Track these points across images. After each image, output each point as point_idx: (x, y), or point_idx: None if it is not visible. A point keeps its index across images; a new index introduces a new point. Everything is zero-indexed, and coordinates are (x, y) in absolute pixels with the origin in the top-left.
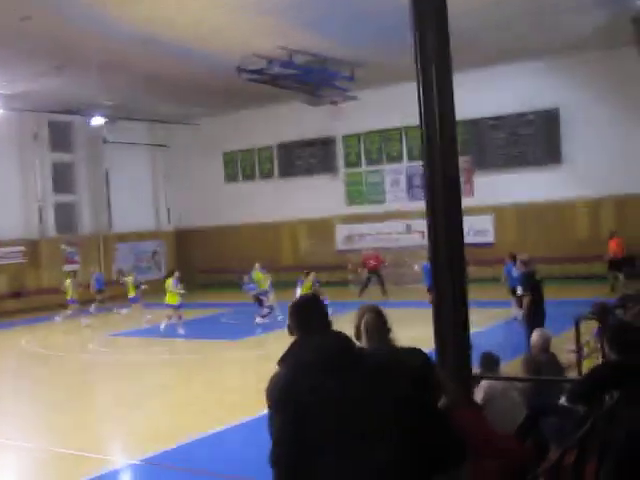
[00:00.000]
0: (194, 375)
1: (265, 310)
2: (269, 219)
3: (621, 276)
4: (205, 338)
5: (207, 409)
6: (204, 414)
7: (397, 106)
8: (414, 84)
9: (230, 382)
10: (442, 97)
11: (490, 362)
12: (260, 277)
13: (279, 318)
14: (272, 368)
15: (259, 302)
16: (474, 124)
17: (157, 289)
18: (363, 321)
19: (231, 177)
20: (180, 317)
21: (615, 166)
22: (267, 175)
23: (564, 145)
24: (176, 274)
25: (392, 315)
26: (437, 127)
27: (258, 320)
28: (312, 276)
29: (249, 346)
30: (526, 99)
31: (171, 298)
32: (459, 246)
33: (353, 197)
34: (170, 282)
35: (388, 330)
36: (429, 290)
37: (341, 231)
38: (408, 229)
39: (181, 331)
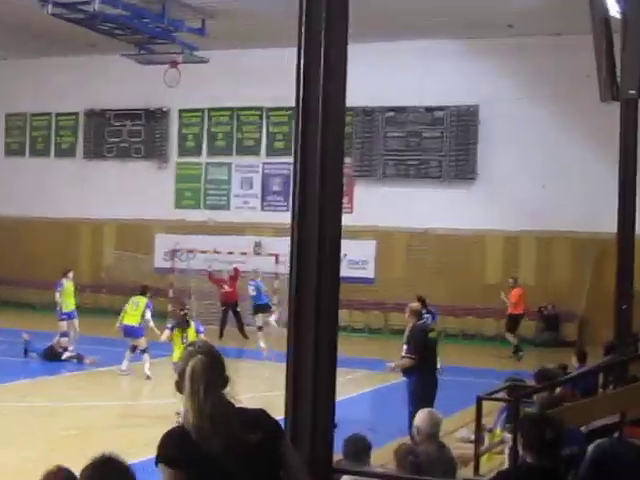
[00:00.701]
0: None
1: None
2: (63, 215)
3: (512, 339)
4: None
5: None
6: None
7: (259, 77)
8: (286, 50)
9: None
10: (332, 72)
11: (358, 450)
12: (71, 290)
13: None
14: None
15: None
16: (362, 114)
17: None
18: (188, 367)
19: (14, 150)
20: None
21: (545, 192)
22: (67, 152)
23: (481, 157)
24: None
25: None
26: (319, 114)
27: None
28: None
29: (14, 392)
30: (437, 89)
31: None
32: (333, 283)
33: (185, 197)
34: None
35: (223, 381)
36: (260, 311)
37: (163, 242)
38: (257, 248)
39: None
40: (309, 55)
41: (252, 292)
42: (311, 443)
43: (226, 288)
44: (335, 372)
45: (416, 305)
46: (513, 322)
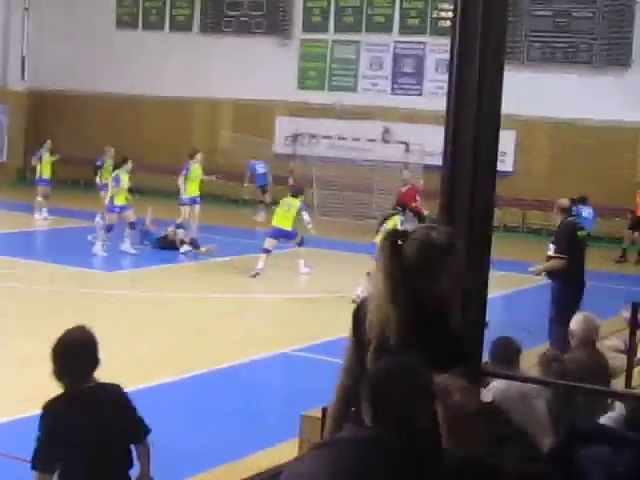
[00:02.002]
0: (33, 321)
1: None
2: (177, 93)
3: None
4: (60, 263)
5: None
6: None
7: None
8: None
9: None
10: None
11: (508, 353)
12: (197, 174)
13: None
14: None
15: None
16: None
17: None
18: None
19: (126, 22)
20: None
21: None
22: (182, 26)
23: (637, 41)
24: (129, 162)
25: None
26: None
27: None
28: None
29: (125, 282)
30: None
31: (119, 197)
32: (490, 170)
33: (308, 77)
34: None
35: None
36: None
37: (284, 126)
38: (386, 135)
39: (129, 249)
40: None
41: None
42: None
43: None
44: (488, 273)
45: (565, 201)
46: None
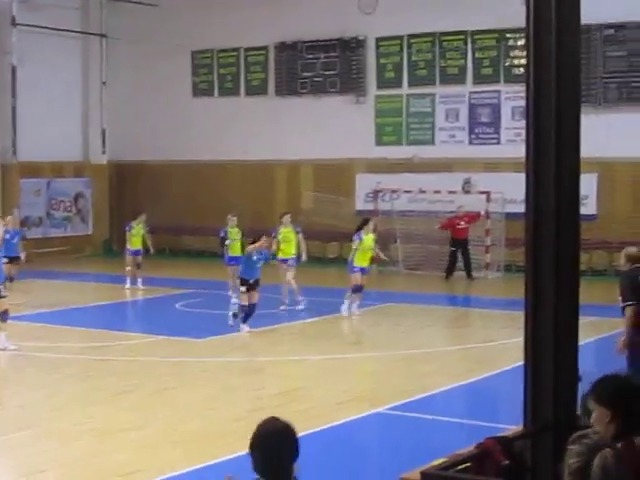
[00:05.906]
0: (127, 393)
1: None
2: (257, 157)
3: None
4: (150, 333)
5: (153, 445)
6: (151, 451)
7: None
8: None
9: (187, 405)
10: None
11: None
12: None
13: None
14: (247, 384)
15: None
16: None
17: (75, 249)
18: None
19: (203, 90)
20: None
21: None
22: (257, 90)
23: None
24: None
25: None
26: (552, 35)
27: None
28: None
29: (216, 348)
30: None
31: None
32: (573, 220)
33: (386, 133)
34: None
35: None
36: None
37: (364, 182)
38: (467, 186)
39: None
40: None
41: None
42: (554, 396)
43: (462, 224)
44: (577, 321)
45: (634, 250)
46: None
